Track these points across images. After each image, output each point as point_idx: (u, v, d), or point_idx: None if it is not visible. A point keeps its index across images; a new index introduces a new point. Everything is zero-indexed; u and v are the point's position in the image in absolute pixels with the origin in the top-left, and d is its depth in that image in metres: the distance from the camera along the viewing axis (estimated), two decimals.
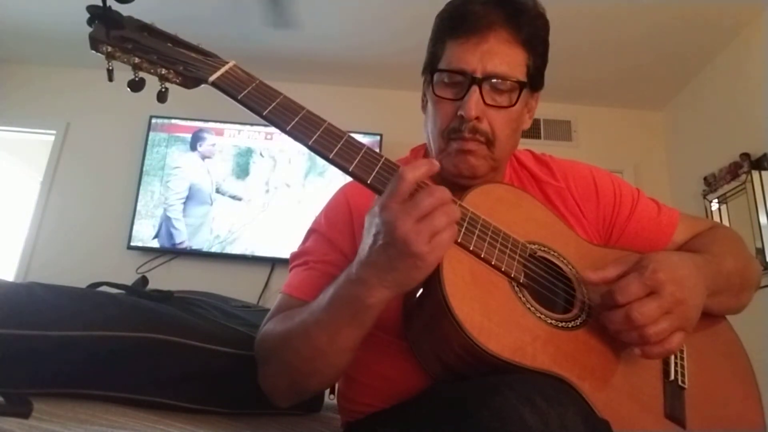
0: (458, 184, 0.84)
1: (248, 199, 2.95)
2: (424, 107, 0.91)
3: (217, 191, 2.96)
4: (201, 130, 3.03)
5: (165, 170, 2.99)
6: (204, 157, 3.00)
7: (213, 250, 2.88)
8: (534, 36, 0.83)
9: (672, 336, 0.67)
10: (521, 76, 0.82)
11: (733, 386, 0.80)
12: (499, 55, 0.80)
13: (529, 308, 0.69)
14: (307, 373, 0.72)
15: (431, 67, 0.85)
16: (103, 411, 0.75)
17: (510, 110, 0.81)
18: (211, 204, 2.94)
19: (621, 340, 0.70)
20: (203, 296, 1.17)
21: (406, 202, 0.60)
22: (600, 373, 0.69)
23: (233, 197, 2.94)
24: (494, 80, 0.79)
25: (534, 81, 0.85)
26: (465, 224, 0.70)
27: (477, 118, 0.79)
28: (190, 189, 2.96)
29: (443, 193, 0.61)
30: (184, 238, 2.89)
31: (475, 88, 0.79)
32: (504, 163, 0.88)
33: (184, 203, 2.94)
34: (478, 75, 0.79)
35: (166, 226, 2.90)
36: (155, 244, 2.89)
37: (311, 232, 0.89)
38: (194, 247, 2.88)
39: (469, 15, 0.81)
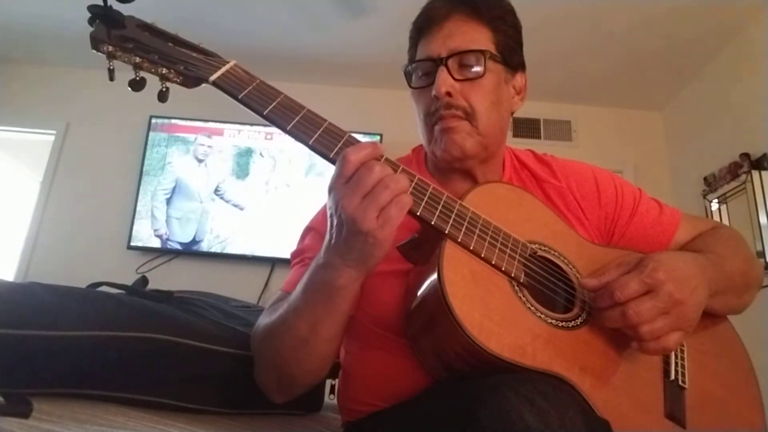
0: (455, 170, 0.86)
1: (249, 204, 2.95)
2: None
3: (219, 195, 2.96)
4: (197, 134, 3.04)
5: (165, 170, 2.99)
6: (199, 160, 3.01)
7: (213, 250, 2.88)
8: (496, 18, 0.86)
9: (669, 335, 0.67)
10: (486, 48, 0.84)
11: (733, 387, 0.80)
12: (459, 34, 0.84)
13: (529, 308, 0.69)
14: (292, 364, 0.73)
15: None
16: (103, 411, 0.75)
17: (482, 82, 0.83)
18: (201, 202, 2.94)
19: (621, 338, 0.70)
20: (203, 296, 1.17)
21: (348, 182, 0.61)
22: (600, 372, 0.69)
23: (235, 206, 2.95)
24: (459, 55, 0.82)
25: (508, 58, 0.87)
26: (465, 224, 0.70)
27: (449, 94, 0.81)
28: (176, 183, 2.97)
29: (382, 167, 0.62)
30: (160, 226, 2.91)
31: (442, 68, 0.82)
32: (495, 142, 0.87)
33: (169, 197, 2.95)
34: (443, 55, 0.82)
35: (153, 214, 2.94)
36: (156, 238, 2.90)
37: (308, 229, 0.90)
38: (174, 238, 2.90)
39: (431, 11, 0.87)
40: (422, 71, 0.86)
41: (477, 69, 0.83)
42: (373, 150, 0.64)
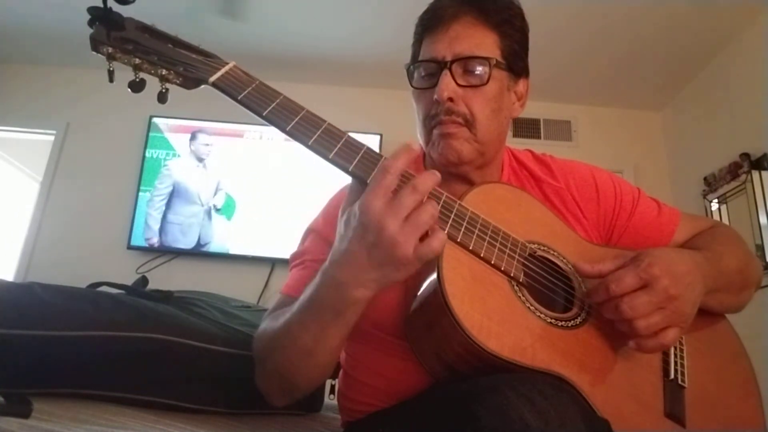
0: (451, 174, 0.85)
1: (248, 199, 2.95)
2: None
3: (221, 191, 2.95)
4: (197, 130, 3.02)
5: (160, 173, 2.98)
6: (199, 159, 2.99)
7: (211, 250, 2.88)
8: (504, 21, 0.84)
9: (666, 331, 0.68)
10: (492, 55, 0.82)
11: (733, 386, 0.80)
12: (466, 38, 0.82)
13: (528, 307, 0.69)
14: (295, 373, 0.73)
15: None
16: (103, 411, 0.75)
17: (485, 89, 0.82)
18: (202, 205, 2.92)
19: (620, 337, 0.70)
20: (203, 296, 1.17)
21: (393, 201, 0.58)
22: (600, 371, 0.69)
23: (231, 197, 2.94)
24: (464, 60, 0.81)
25: (513, 65, 0.85)
26: (464, 223, 0.70)
27: (451, 99, 0.80)
28: (174, 188, 2.95)
29: (424, 185, 0.59)
30: (152, 235, 2.88)
31: (445, 72, 0.80)
32: (493, 149, 0.87)
33: (167, 202, 2.93)
34: (448, 59, 0.81)
35: (147, 222, 2.91)
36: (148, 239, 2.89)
37: (309, 231, 0.89)
38: (170, 244, 2.88)
39: (438, 11, 0.85)
40: (425, 71, 0.84)
41: (481, 76, 0.81)
42: (408, 153, 0.61)
